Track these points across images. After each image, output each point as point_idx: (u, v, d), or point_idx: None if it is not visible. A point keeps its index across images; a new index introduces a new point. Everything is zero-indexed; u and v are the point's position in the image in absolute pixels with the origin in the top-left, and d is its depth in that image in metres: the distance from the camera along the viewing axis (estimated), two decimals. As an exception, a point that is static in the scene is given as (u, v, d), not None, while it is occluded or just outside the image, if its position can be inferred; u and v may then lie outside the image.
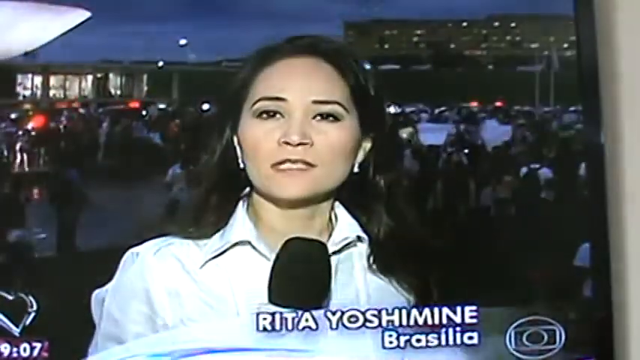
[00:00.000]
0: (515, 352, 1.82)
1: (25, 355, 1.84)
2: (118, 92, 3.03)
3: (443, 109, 3.24)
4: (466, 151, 3.09)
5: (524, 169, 2.95)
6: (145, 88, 3.06)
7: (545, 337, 1.83)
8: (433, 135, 3.10)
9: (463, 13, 3.16)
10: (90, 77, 2.95)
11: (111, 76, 3.00)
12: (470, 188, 2.97)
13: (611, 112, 2.06)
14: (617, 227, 2.05)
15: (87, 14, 2.58)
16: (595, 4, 2.05)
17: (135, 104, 3.07)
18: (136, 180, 2.77)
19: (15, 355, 1.84)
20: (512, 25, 3.24)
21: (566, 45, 2.93)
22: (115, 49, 2.79)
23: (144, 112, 3.06)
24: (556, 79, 3.08)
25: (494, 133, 3.08)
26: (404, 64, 3.27)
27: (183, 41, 2.85)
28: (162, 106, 3.05)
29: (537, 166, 2.93)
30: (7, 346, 1.84)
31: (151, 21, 2.65)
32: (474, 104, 3.25)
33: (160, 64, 2.99)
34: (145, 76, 3.05)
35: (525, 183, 2.91)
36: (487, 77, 3.28)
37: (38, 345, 1.84)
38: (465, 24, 3.26)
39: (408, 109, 3.16)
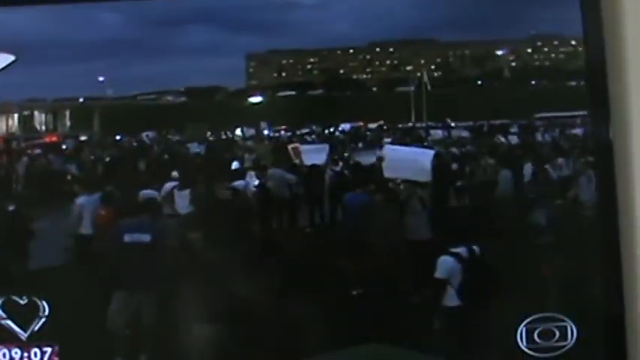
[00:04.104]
0: (526, 349, 1.85)
1: (36, 359, 1.91)
2: (43, 128, 3.22)
3: (332, 129, 3.47)
4: (347, 168, 3.25)
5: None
6: (68, 123, 3.26)
7: (557, 334, 1.86)
8: (318, 154, 3.26)
9: (348, 41, 3.40)
10: (16, 115, 3.13)
11: (36, 113, 3.19)
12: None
13: (619, 106, 1.96)
14: (628, 225, 1.96)
15: (11, 58, 2.75)
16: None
17: (54, 138, 3.27)
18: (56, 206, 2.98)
19: (25, 359, 1.91)
20: (391, 50, 3.47)
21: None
22: (39, 87, 2.99)
23: (63, 146, 3.27)
24: (428, 98, 3.34)
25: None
26: (299, 90, 3.50)
27: (101, 78, 3.07)
28: (83, 138, 3.25)
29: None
30: (18, 351, 1.91)
31: (71, 61, 2.87)
32: (361, 123, 3.48)
33: (81, 100, 3.21)
34: (67, 112, 3.25)
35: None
36: (372, 98, 3.47)
37: (48, 349, 1.92)
38: (351, 51, 3.50)
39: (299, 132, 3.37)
